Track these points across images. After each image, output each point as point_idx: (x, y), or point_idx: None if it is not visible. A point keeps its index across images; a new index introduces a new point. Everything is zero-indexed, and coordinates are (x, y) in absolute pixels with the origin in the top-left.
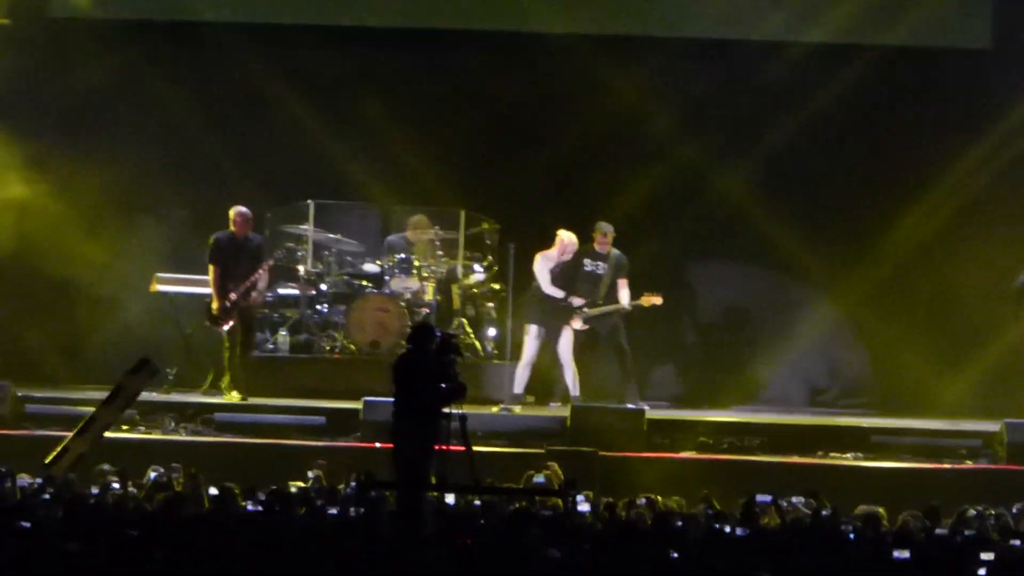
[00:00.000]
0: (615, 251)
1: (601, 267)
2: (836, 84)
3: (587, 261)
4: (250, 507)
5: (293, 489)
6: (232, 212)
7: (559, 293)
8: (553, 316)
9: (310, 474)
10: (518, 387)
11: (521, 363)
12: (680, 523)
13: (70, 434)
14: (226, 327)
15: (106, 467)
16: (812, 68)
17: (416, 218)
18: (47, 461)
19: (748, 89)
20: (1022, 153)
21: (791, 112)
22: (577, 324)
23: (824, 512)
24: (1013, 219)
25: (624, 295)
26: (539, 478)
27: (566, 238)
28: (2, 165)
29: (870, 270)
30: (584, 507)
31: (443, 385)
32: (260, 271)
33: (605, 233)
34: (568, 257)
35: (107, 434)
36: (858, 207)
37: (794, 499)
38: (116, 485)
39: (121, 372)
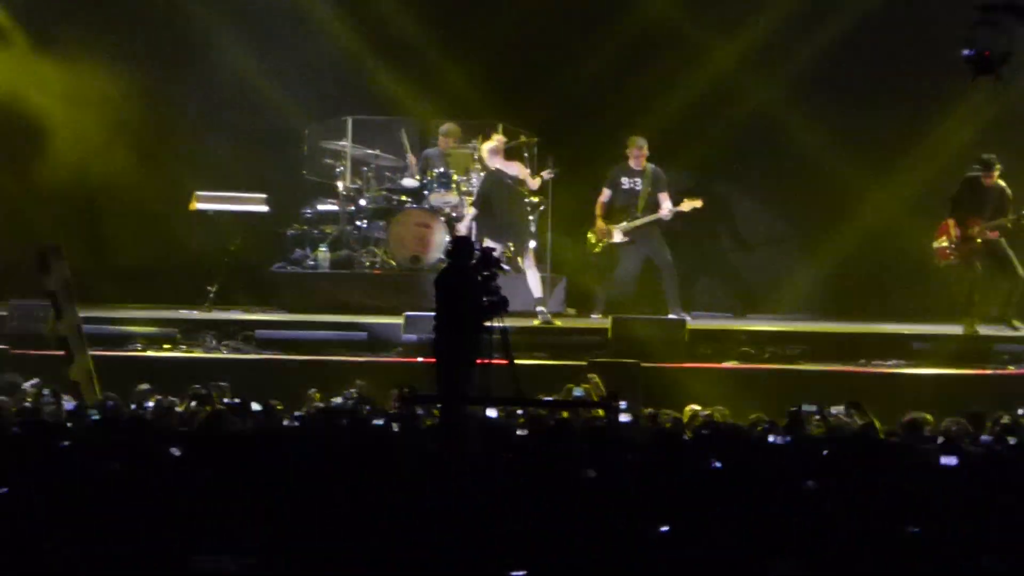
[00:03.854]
0: (651, 165)
1: (638, 183)
2: None
3: (624, 179)
4: (294, 423)
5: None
6: None
7: None
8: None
9: (347, 391)
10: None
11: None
12: (724, 433)
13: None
14: None
15: (146, 386)
16: None
17: (446, 126)
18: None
19: None
20: None
21: (830, 19)
22: (618, 237)
23: (865, 421)
24: None
25: (665, 206)
26: (579, 391)
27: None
28: (42, 82)
29: (909, 179)
30: (625, 418)
31: (484, 299)
32: None
33: (640, 147)
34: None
35: (149, 353)
36: (896, 113)
37: (833, 409)
38: (150, 404)
39: (166, 291)
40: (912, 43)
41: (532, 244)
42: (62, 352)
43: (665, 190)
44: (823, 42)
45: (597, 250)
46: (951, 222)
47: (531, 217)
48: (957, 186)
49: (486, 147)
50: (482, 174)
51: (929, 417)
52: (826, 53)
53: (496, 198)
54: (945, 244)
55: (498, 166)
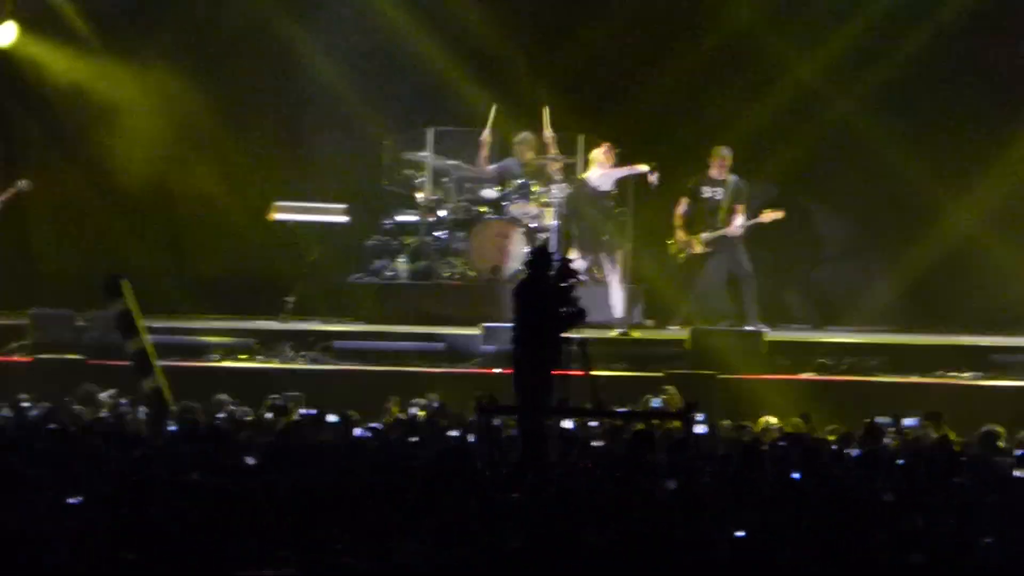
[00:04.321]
0: (733, 177)
1: (719, 192)
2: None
3: (705, 188)
4: (369, 434)
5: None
6: None
7: None
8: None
9: (414, 400)
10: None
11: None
12: (802, 444)
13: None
14: None
15: (224, 396)
16: None
17: (522, 135)
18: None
19: (866, 8)
20: None
21: (910, 30)
22: (699, 247)
23: (942, 433)
24: None
25: (739, 220)
26: (656, 401)
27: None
28: (122, 92)
29: (990, 190)
30: (701, 429)
31: (563, 310)
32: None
33: (724, 157)
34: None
35: (226, 363)
36: (976, 124)
37: (907, 421)
38: (222, 414)
39: (242, 301)
40: (994, 53)
41: (619, 258)
42: (130, 363)
43: (743, 203)
44: (904, 53)
45: (680, 259)
46: None
47: (619, 218)
48: None
49: (595, 153)
50: (562, 185)
51: (1001, 429)
52: (907, 64)
53: (581, 211)
54: None
55: (590, 174)
